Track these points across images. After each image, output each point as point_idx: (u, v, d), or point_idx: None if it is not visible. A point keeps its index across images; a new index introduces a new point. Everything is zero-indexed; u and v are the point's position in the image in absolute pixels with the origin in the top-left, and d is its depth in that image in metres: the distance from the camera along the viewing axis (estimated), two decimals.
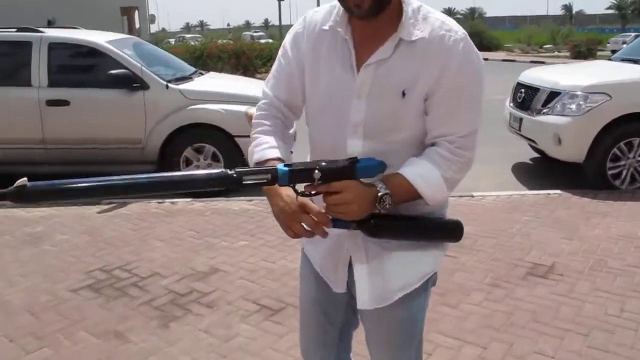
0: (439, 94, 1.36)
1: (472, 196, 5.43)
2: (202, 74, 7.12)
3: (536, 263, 3.90)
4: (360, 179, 1.34)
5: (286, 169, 1.29)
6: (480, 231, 4.51)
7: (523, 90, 6.40)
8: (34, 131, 5.89)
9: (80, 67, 6.48)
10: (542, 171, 6.76)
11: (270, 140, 1.53)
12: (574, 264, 3.88)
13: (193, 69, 7.29)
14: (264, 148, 1.50)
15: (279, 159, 1.47)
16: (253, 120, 1.61)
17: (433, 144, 1.41)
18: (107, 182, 1.29)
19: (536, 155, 7.05)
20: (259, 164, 1.46)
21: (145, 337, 3.11)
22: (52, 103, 5.86)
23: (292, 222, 1.39)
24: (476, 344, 2.91)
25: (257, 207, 5.32)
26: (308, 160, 1.56)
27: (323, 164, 1.31)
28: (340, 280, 1.58)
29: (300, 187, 1.35)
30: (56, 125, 5.91)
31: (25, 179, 1.24)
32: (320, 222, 1.36)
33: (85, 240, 4.58)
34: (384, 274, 1.50)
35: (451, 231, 1.48)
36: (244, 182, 1.28)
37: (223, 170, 1.29)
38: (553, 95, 5.87)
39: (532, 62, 25.24)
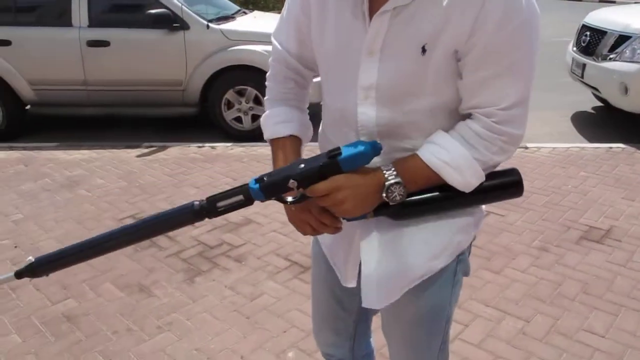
0: (474, 54, 1.05)
1: (526, 147, 5.05)
2: (245, 13, 6.83)
3: (592, 226, 3.57)
4: (361, 167, 1.11)
5: (257, 186, 1.10)
6: (532, 187, 4.17)
7: (588, 33, 5.83)
8: (75, 72, 5.80)
9: (121, 6, 6.29)
10: (605, 123, 6.20)
11: (282, 111, 1.35)
12: (635, 228, 3.53)
13: (237, 8, 7.00)
14: (275, 122, 1.34)
15: (291, 137, 1.32)
16: (266, 82, 1.41)
17: (468, 115, 1.13)
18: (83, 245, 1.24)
19: (599, 104, 6.50)
20: (271, 142, 1.33)
21: (170, 292, 3.01)
22: (92, 44, 5.73)
23: (297, 222, 1.24)
24: (518, 316, 2.67)
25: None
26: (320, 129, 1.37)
27: (301, 166, 1.09)
28: (350, 274, 1.35)
29: None
30: (97, 66, 5.80)
31: (31, 257, 1.29)
32: (324, 222, 1.18)
33: (121, 186, 4.52)
34: (398, 258, 1.24)
35: (506, 188, 1.17)
36: (219, 210, 1.14)
37: (191, 203, 1.15)
38: (622, 39, 5.32)
39: (601, 1, 23.50)
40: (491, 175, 1.14)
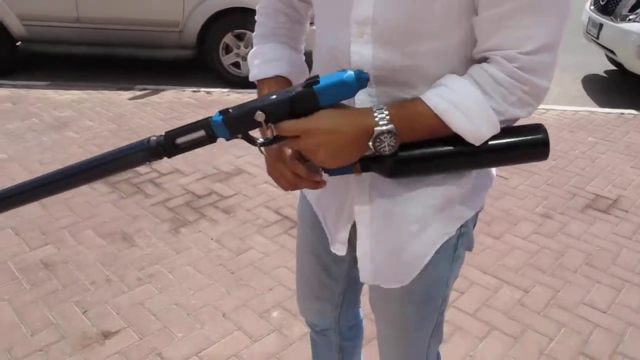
0: None
1: None
2: None
3: (598, 195, 3.41)
4: (347, 106, 0.92)
5: (220, 118, 0.92)
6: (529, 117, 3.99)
7: None
8: (67, 8, 5.53)
9: None
10: (618, 87, 5.93)
11: (270, 49, 1.17)
12: None
13: None
14: (262, 61, 1.15)
15: (279, 78, 1.13)
16: (255, 17, 1.22)
17: (483, 60, 0.93)
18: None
19: (612, 68, 6.24)
20: (257, 84, 1.14)
21: (153, 242, 2.88)
22: None
23: (274, 173, 1.06)
24: (517, 285, 2.54)
25: None
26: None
27: (272, 97, 0.90)
28: (340, 238, 1.17)
29: None
30: (91, 2, 5.52)
31: None
32: (298, 173, 1.00)
33: (111, 129, 4.34)
34: (395, 232, 1.07)
35: (528, 148, 0.95)
36: (179, 147, 0.95)
37: (147, 139, 0.95)
38: None
39: None
40: (510, 130, 0.94)
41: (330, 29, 1.01)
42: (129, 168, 0.99)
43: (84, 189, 3.40)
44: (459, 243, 1.12)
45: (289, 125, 0.89)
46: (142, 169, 3.68)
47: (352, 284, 1.37)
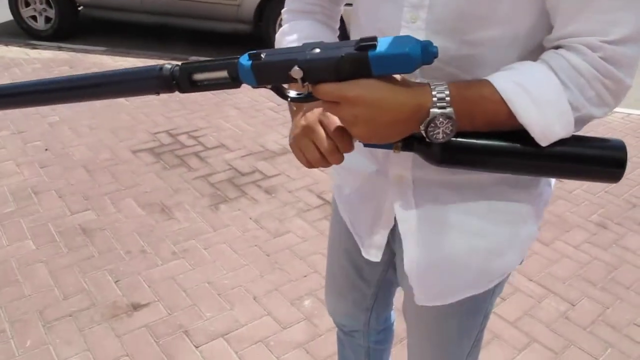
0: None
1: None
2: None
3: None
4: (396, 76, 0.77)
5: (248, 62, 0.78)
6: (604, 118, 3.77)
7: None
8: None
9: None
10: None
11: (304, 26, 1.03)
12: None
13: None
14: (292, 40, 1.01)
15: None
16: (283, 14, 1.09)
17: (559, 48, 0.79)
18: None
19: None
20: None
21: (191, 217, 2.85)
22: None
23: (301, 139, 0.88)
24: (563, 296, 2.39)
25: None
26: None
27: (315, 51, 0.76)
28: (375, 245, 1.07)
29: None
30: None
31: None
32: (336, 141, 0.83)
33: (161, 98, 4.33)
34: (444, 250, 0.96)
35: (601, 165, 0.80)
36: (195, 83, 0.82)
37: (160, 65, 0.83)
38: None
39: None
40: (582, 139, 0.79)
41: (378, 10, 0.89)
42: (135, 94, 0.88)
43: (127, 156, 3.42)
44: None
45: (330, 89, 0.75)
46: (188, 141, 3.67)
47: (385, 288, 1.28)
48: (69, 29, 5.86)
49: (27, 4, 5.78)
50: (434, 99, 0.74)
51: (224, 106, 4.25)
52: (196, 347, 2.06)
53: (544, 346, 2.13)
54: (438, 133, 0.75)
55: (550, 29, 0.79)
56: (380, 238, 1.05)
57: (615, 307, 2.34)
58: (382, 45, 0.73)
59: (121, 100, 4.26)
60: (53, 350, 2.03)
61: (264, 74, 0.78)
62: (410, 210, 0.96)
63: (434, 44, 0.75)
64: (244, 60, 0.78)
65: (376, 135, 0.78)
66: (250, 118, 4.08)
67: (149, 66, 0.84)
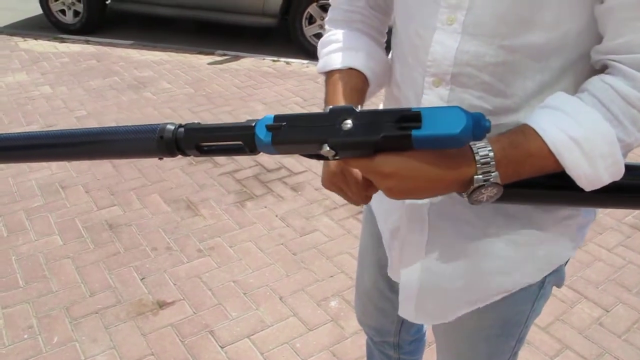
0: None
1: None
2: None
3: None
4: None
5: (268, 137, 0.69)
6: (633, 153, 3.66)
7: None
8: None
9: None
10: None
11: (345, 36, 0.96)
12: None
13: None
14: (333, 50, 0.94)
15: (352, 72, 0.90)
16: (325, 24, 1.03)
17: (604, 68, 0.72)
18: None
19: None
20: (325, 77, 0.93)
21: (217, 213, 2.83)
22: None
23: (329, 185, 0.87)
24: (597, 302, 2.32)
25: None
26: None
27: (347, 125, 0.66)
28: (396, 263, 1.02)
29: None
30: None
31: None
32: (358, 197, 0.82)
33: (187, 92, 4.33)
34: (463, 266, 0.92)
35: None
36: (201, 148, 0.75)
37: (162, 126, 0.75)
38: None
39: None
40: (630, 170, 0.73)
41: (414, 12, 0.83)
42: (134, 157, 0.81)
43: None
44: (547, 281, 0.95)
45: (363, 164, 0.70)
46: None
47: None
48: (96, 23, 5.89)
49: None
50: (478, 165, 0.68)
51: (250, 101, 4.23)
52: (222, 348, 2.05)
53: (577, 353, 2.07)
54: (482, 197, 0.71)
55: (598, 37, 0.72)
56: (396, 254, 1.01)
57: None
58: (427, 123, 0.64)
59: (147, 94, 4.27)
60: (79, 347, 2.03)
61: (288, 148, 0.71)
62: (419, 224, 0.91)
63: (465, 50, 0.72)
64: (262, 133, 0.70)
65: (410, 198, 0.74)
66: (275, 112, 4.03)
67: (148, 127, 0.76)
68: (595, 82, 0.71)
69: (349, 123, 0.67)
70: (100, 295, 2.28)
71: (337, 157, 0.70)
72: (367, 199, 0.82)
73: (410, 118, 0.65)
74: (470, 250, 0.89)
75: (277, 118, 0.70)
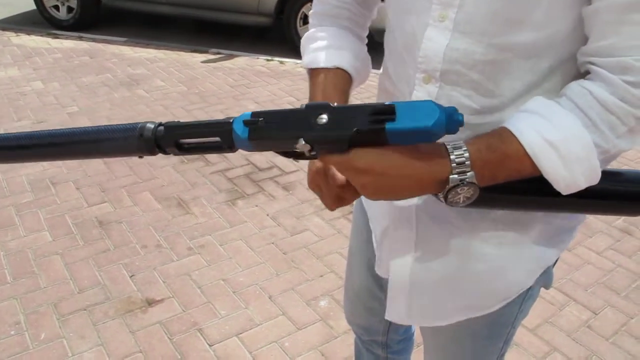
0: None
1: None
2: None
3: None
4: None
5: (245, 132, 0.70)
6: (624, 156, 3.69)
7: None
8: None
9: None
10: None
11: (330, 33, 0.96)
12: None
13: None
14: (319, 47, 0.94)
15: (337, 71, 0.91)
16: (310, 17, 1.03)
17: (587, 72, 0.72)
18: None
19: None
20: (309, 73, 0.94)
21: (208, 212, 2.83)
22: None
23: (312, 185, 0.86)
24: (585, 304, 2.33)
25: (370, 81, 4.76)
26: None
27: (323, 120, 0.67)
28: (385, 261, 1.02)
29: None
30: None
31: None
32: (343, 196, 0.81)
33: (180, 91, 4.32)
34: (449, 266, 0.92)
35: (626, 201, 0.77)
36: (181, 145, 0.75)
37: (142, 124, 0.75)
38: None
39: None
40: (607, 175, 0.73)
41: (409, 7, 0.83)
42: (116, 156, 0.80)
43: None
44: (535, 282, 0.95)
45: (337, 160, 0.69)
46: None
47: None
48: (90, 19, 5.87)
49: None
50: (453, 164, 0.68)
51: (243, 100, 4.22)
52: (210, 346, 2.04)
53: (565, 356, 2.07)
54: (459, 199, 0.71)
55: (586, 38, 0.72)
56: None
57: (639, 318, 2.28)
58: (401, 116, 0.65)
59: (140, 91, 4.26)
60: (67, 344, 2.02)
61: (264, 144, 0.71)
62: (408, 229, 0.91)
63: (455, 47, 0.73)
64: (239, 128, 0.70)
65: (386, 198, 0.74)
66: None
67: (128, 125, 0.76)
68: (574, 87, 0.71)
69: (324, 118, 0.67)
70: (89, 292, 2.27)
71: (313, 153, 0.70)
72: (339, 202, 0.81)
73: (384, 111, 0.65)
74: (458, 251, 0.89)
75: (255, 114, 0.70)
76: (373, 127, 0.65)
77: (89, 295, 2.25)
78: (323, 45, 0.94)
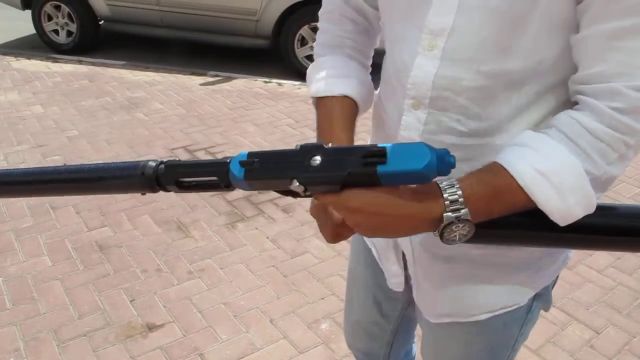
0: None
1: None
2: None
3: None
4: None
5: (241, 173, 0.72)
6: (621, 176, 3.70)
7: None
8: None
9: None
10: None
11: (335, 62, 0.98)
12: None
13: None
14: (323, 76, 0.96)
15: (344, 99, 0.93)
16: (318, 22, 1.05)
17: (576, 103, 0.74)
18: None
19: None
20: (315, 102, 0.95)
21: (208, 235, 2.83)
22: None
23: (314, 212, 0.86)
24: (587, 324, 2.32)
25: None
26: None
27: (316, 161, 0.68)
28: (393, 270, 1.05)
29: None
30: None
31: None
32: (338, 232, 0.81)
33: (179, 113, 4.34)
34: (440, 275, 0.96)
35: (626, 236, 0.75)
36: (181, 184, 0.77)
37: (143, 163, 0.78)
38: None
39: None
40: (606, 210, 0.74)
41: (399, 36, 0.85)
42: (117, 193, 0.83)
43: None
44: (534, 305, 0.96)
45: (331, 200, 0.70)
46: (206, 157, 3.65)
47: (406, 324, 1.23)
48: (89, 43, 5.92)
49: (50, 18, 5.85)
50: (446, 202, 0.69)
51: (242, 122, 4.24)
52: None
53: None
54: (454, 237, 0.71)
55: (573, 66, 0.74)
56: (393, 265, 1.04)
57: None
58: (392, 159, 0.66)
59: (139, 114, 4.28)
60: None
61: (260, 184, 0.73)
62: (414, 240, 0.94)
63: (444, 75, 0.75)
64: (236, 169, 0.72)
65: (380, 236, 0.76)
66: (268, 134, 4.06)
67: (130, 164, 0.79)
68: (562, 118, 0.72)
69: (317, 159, 0.68)
70: (89, 318, 2.25)
71: (308, 193, 0.71)
72: (337, 237, 0.81)
73: (376, 154, 0.66)
74: (453, 272, 0.93)
75: (251, 155, 0.72)
76: (365, 169, 0.66)
77: (89, 321, 2.24)
78: (328, 74, 0.96)
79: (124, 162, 0.79)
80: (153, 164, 0.78)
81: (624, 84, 0.67)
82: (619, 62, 0.68)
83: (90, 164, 0.82)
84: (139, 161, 0.78)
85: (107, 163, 0.81)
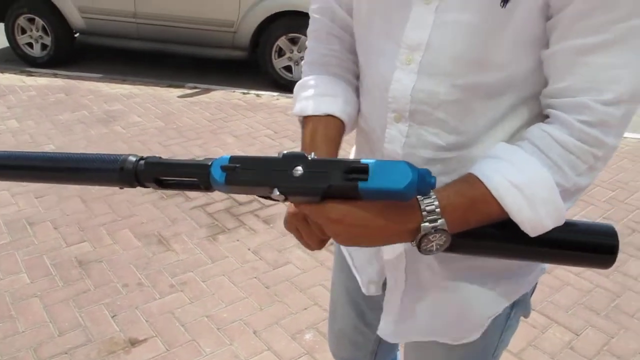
0: (572, 8, 0.68)
1: None
2: None
3: None
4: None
5: (222, 177, 0.72)
6: (596, 180, 3.77)
7: None
8: (125, 3, 5.58)
9: None
10: None
11: (324, 82, 0.98)
12: None
13: None
14: (312, 95, 0.96)
15: (329, 118, 0.93)
16: (307, 42, 1.05)
17: (547, 116, 0.77)
18: None
19: None
20: (302, 120, 0.96)
21: (189, 248, 2.82)
22: None
23: (289, 226, 0.86)
24: (567, 326, 2.36)
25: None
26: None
27: (298, 173, 0.69)
28: (372, 278, 1.06)
29: None
30: None
31: None
32: (310, 242, 0.83)
33: (157, 126, 4.32)
34: (426, 303, 0.98)
35: (592, 252, 0.78)
36: (161, 181, 0.78)
37: (124, 156, 0.78)
38: None
39: None
40: (574, 226, 0.77)
41: (376, 51, 0.87)
42: (96, 185, 0.84)
43: None
44: (513, 312, 0.99)
45: (311, 210, 0.72)
46: None
47: None
48: (65, 56, 5.86)
49: (24, 31, 5.79)
50: (424, 212, 0.71)
51: (221, 134, 4.24)
52: None
53: None
54: (431, 247, 0.74)
55: (545, 80, 0.77)
56: (371, 272, 1.05)
57: (620, 337, 2.31)
58: (374, 176, 0.67)
59: (117, 128, 4.25)
60: None
61: (240, 189, 0.74)
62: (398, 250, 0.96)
63: (421, 89, 0.78)
64: (217, 172, 0.72)
65: (359, 246, 0.77)
66: (247, 146, 4.06)
67: (111, 157, 0.79)
68: (535, 131, 0.76)
69: (299, 170, 0.69)
70: (70, 335, 2.23)
71: (287, 202, 0.73)
72: (321, 244, 0.83)
73: (358, 170, 0.67)
74: (434, 285, 0.95)
75: (233, 159, 0.72)
76: (346, 184, 0.67)
77: (69, 338, 2.21)
78: (314, 93, 0.96)
79: (105, 155, 0.79)
80: (133, 159, 0.78)
81: (592, 98, 0.70)
82: (587, 77, 0.70)
83: (71, 153, 0.82)
84: (120, 155, 0.79)
85: (89, 154, 0.81)
